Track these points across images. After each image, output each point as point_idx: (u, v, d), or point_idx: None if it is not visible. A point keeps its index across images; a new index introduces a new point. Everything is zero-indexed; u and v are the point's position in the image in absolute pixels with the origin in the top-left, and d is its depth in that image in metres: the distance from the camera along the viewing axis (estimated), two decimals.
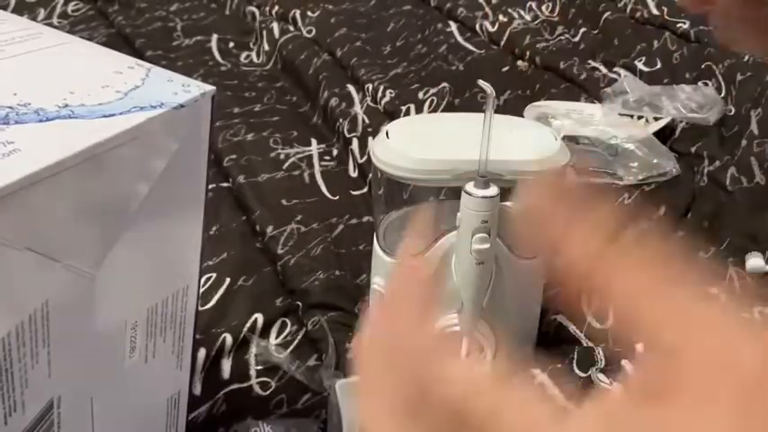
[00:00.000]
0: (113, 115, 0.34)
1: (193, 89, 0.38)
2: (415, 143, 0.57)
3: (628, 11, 1.17)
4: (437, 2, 1.24)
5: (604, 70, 1.04)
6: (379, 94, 0.95)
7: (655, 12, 1.15)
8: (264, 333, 0.64)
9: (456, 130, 0.60)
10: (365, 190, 0.82)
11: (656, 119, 0.91)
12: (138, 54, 1.06)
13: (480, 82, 0.52)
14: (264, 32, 1.13)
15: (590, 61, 1.07)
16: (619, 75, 1.01)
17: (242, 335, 0.63)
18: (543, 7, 1.23)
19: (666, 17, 1.13)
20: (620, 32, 1.12)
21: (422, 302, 0.25)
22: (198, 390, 0.58)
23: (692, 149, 0.87)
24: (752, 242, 0.71)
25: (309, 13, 1.18)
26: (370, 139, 0.87)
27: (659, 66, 1.04)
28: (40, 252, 0.32)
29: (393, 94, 0.95)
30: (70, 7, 1.22)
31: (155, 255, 0.40)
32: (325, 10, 1.20)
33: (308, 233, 0.74)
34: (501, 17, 1.18)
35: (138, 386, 0.44)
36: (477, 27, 1.16)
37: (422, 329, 0.24)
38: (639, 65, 1.04)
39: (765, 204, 0.76)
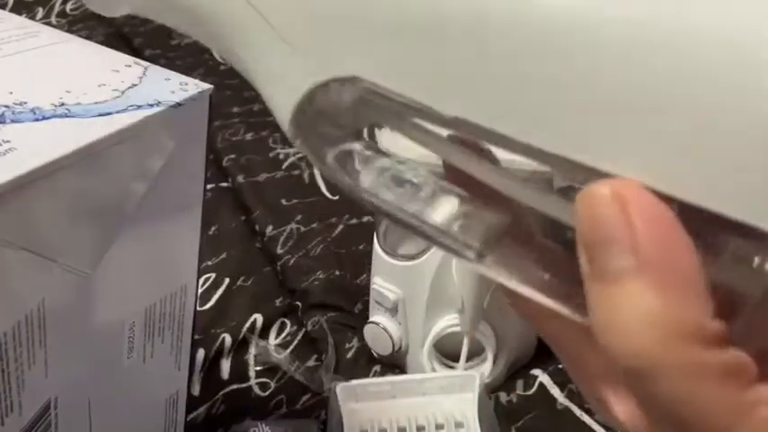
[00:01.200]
0: (110, 114, 0.34)
1: (191, 88, 0.37)
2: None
3: None
4: None
5: None
6: None
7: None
8: (264, 333, 0.64)
9: None
10: None
11: None
12: (137, 53, 1.06)
13: None
14: None
15: None
16: None
17: (241, 335, 0.63)
18: None
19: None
20: None
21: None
22: (197, 390, 0.58)
23: None
24: None
25: None
26: None
27: None
28: (36, 252, 0.32)
29: None
30: (69, 6, 1.22)
31: (152, 254, 0.40)
32: None
33: (308, 233, 0.74)
34: None
35: (137, 387, 0.43)
36: None
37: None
38: None
39: None
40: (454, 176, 0.23)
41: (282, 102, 0.24)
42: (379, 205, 0.22)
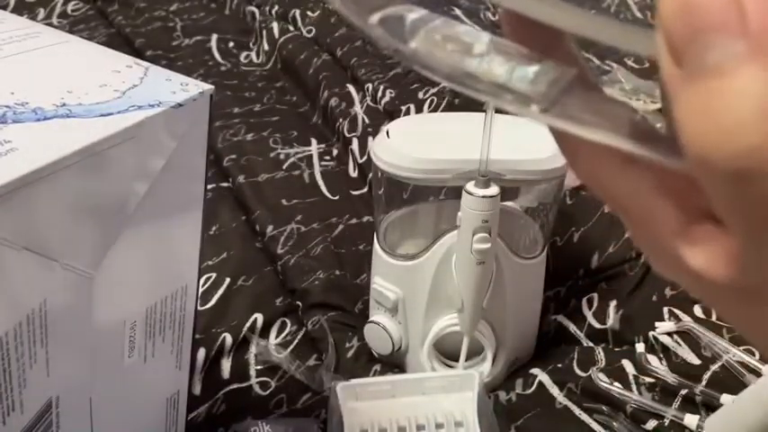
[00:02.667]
0: (111, 114, 0.34)
1: (192, 88, 0.37)
2: (416, 143, 0.57)
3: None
4: None
5: (597, 62, 1.04)
6: (379, 94, 0.95)
7: (638, 15, 1.15)
8: (264, 333, 0.64)
9: (456, 130, 0.60)
10: (365, 190, 0.82)
11: (654, 103, 0.91)
12: (138, 54, 1.06)
13: None
14: (264, 32, 1.13)
15: (582, 51, 1.06)
16: (611, 66, 1.01)
17: (242, 335, 0.63)
18: None
19: (651, 21, 1.13)
20: None
21: None
22: (198, 389, 0.58)
23: None
24: None
25: (309, 13, 1.18)
26: (370, 139, 0.86)
27: (647, 65, 1.04)
28: (38, 252, 0.32)
29: (393, 94, 0.95)
30: (70, 7, 1.22)
31: (154, 254, 0.40)
32: (325, 9, 1.20)
33: (308, 233, 0.74)
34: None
35: (138, 386, 0.43)
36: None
37: None
38: (629, 62, 1.04)
39: None
40: (512, 32, 0.21)
41: None
42: (432, 66, 0.21)
